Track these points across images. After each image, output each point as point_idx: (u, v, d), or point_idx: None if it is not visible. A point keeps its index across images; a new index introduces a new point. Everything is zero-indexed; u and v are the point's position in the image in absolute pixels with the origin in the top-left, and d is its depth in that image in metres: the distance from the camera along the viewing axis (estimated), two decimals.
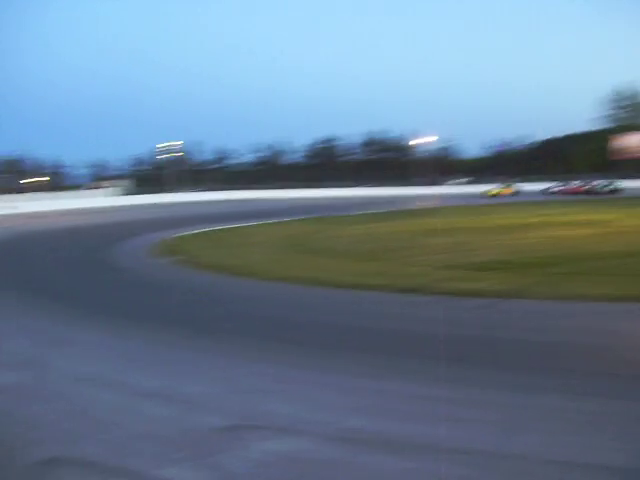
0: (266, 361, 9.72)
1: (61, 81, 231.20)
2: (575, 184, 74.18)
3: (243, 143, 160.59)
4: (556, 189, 75.36)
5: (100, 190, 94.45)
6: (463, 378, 8.53)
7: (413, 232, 32.56)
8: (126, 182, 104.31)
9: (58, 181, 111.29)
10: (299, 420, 6.99)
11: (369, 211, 55.10)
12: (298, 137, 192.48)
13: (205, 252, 26.86)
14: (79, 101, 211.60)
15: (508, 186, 76.04)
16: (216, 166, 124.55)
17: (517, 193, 74.69)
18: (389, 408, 7.38)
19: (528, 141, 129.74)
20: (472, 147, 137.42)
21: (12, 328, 12.64)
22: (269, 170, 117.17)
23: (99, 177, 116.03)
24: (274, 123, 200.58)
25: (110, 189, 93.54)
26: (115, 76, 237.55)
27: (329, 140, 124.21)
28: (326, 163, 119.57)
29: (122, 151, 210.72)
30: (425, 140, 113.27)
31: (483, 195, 72.49)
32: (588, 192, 68.92)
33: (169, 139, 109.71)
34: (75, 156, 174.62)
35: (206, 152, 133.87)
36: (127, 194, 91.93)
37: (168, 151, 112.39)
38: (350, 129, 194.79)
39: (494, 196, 71.05)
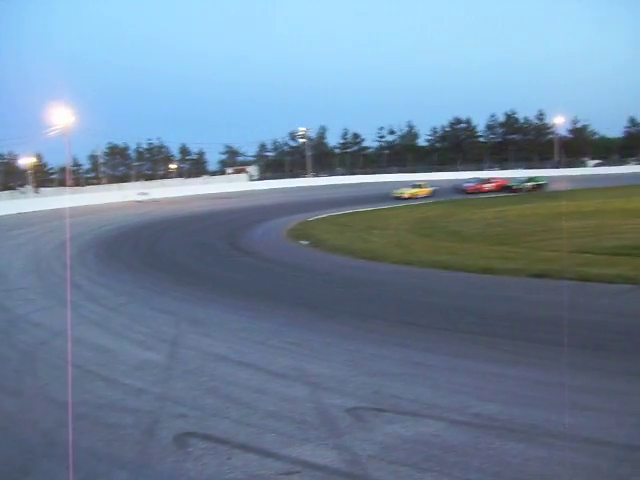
0: (393, 344, 9.79)
1: (189, 69, 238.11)
2: (482, 180, 60.83)
3: (370, 127, 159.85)
4: (467, 186, 59.17)
5: (230, 176, 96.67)
6: (594, 365, 8.31)
7: (543, 215, 31.77)
8: (254, 168, 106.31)
9: (191, 167, 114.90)
10: (424, 404, 7.02)
11: (499, 194, 54.12)
12: (425, 120, 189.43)
13: (334, 236, 27.19)
14: (205, 89, 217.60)
15: (421, 186, 56.19)
16: (343, 150, 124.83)
17: (434, 193, 55.83)
18: (516, 394, 7.29)
19: None
20: (604, 128, 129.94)
21: (149, 308, 13.25)
22: (397, 154, 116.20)
23: (229, 163, 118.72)
24: (401, 106, 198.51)
25: (239, 175, 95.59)
26: (241, 62, 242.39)
27: (457, 122, 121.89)
28: (454, 146, 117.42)
29: (250, 137, 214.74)
30: (555, 121, 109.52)
31: (396, 197, 53.05)
32: (511, 189, 56.40)
33: (297, 125, 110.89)
34: (205, 143, 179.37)
35: (333, 137, 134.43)
36: (255, 179, 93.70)
37: (296, 136, 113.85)
38: (478, 111, 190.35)
39: (409, 198, 52.44)
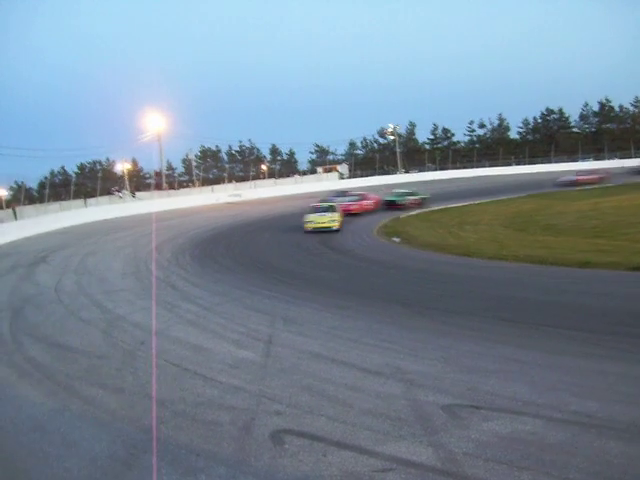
0: (487, 341, 9.67)
1: (279, 72, 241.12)
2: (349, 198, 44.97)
3: (460, 121, 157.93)
4: (349, 205, 41.62)
5: (320, 175, 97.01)
6: None
7: None
8: (344, 166, 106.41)
9: (282, 168, 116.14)
10: (520, 401, 6.91)
11: (593, 185, 52.59)
12: (516, 112, 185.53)
13: (426, 232, 27.09)
14: (294, 90, 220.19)
15: (330, 208, 33.82)
16: (433, 146, 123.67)
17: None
18: (616, 391, 7.08)
19: None
20: None
21: (244, 308, 13.44)
22: (488, 147, 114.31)
23: (320, 162, 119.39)
24: (488, 100, 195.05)
25: (330, 174, 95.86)
26: (329, 63, 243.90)
27: (549, 113, 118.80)
28: (546, 137, 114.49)
29: (339, 136, 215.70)
30: None
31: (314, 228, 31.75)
32: (395, 205, 44.74)
33: (386, 122, 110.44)
34: (295, 143, 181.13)
35: (423, 132, 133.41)
36: (346, 178, 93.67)
37: (385, 133, 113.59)
38: (569, 102, 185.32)
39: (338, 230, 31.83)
